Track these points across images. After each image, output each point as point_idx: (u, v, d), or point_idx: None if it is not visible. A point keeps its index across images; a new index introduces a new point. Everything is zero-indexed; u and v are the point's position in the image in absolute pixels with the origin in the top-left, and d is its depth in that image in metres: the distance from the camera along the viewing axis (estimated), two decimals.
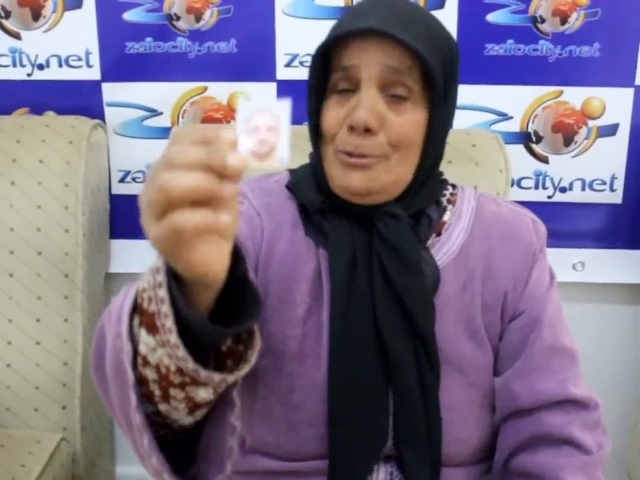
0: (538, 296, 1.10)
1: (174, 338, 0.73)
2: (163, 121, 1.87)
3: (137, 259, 1.91)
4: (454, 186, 1.16)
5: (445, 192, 1.14)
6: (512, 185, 1.82)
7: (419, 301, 1.03)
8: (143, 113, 1.87)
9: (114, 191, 1.93)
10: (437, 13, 1.73)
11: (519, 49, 1.79)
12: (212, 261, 0.68)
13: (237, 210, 0.69)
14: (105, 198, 1.91)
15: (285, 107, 0.66)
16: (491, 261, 1.09)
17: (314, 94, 1.02)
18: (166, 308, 0.73)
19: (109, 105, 1.86)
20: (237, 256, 0.78)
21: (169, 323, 0.73)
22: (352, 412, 1.02)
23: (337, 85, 1.00)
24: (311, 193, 1.07)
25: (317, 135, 1.03)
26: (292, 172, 1.14)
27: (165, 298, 0.73)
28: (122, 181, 1.92)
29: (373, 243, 1.04)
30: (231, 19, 1.80)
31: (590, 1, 1.76)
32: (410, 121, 0.99)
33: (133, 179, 1.92)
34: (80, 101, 1.86)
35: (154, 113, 1.86)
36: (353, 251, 1.03)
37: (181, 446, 0.88)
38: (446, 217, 1.11)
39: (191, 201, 0.64)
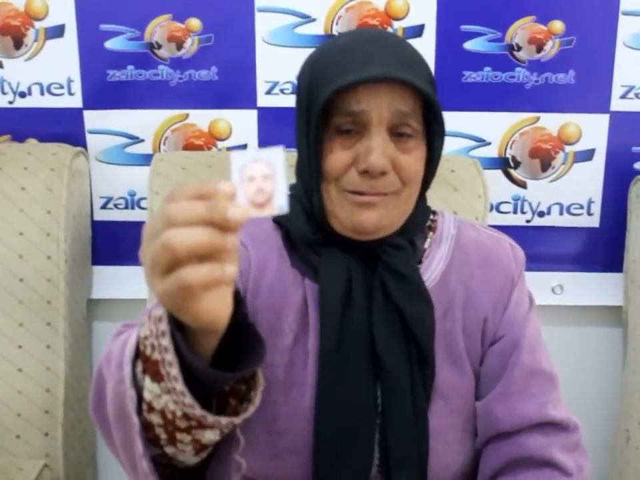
0: (517, 320, 1.11)
1: (180, 386, 0.73)
2: (145, 148, 1.87)
3: (118, 284, 1.92)
4: (434, 212, 1.17)
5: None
6: (491, 210, 1.84)
7: (427, 327, 1.04)
8: (125, 140, 1.87)
9: (96, 218, 1.93)
10: (415, 41, 1.75)
11: (496, 76, 1.82)
12: (217, 310, 0.69)
13: (237, 256, 0.69)
14: (86, 225, 1.90)
15: (278, 154, 0.66)
16: (470, 286, 1.11)
17: (314, 136, 0.99)
18: (170, 356, 0.73)
19: (91, 132, 1.87)
20: (237, 298, 0.78)
21: (174, 371, 0.73)
22: (338, 439, 1.02)
23: (339, 127, 0.98)
24: (302, 225, 1.07)
25: (317, 174, 1.01)
26: None
27: (169, 347, 0.73)
28: (104, 207, 1.92)
29: (378, 274, 1.04)
30: (212, 48, 1.81)
31: (565, 29, 1.79)
32: (417, 157, 1.00)
33: (115, 206, 1.91)
34: (62, 128, 1.86)
35: (136, 140, 1.87)
36: (348, 282, 1.04)
37: None
38: (426, 244, 1.13)
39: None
